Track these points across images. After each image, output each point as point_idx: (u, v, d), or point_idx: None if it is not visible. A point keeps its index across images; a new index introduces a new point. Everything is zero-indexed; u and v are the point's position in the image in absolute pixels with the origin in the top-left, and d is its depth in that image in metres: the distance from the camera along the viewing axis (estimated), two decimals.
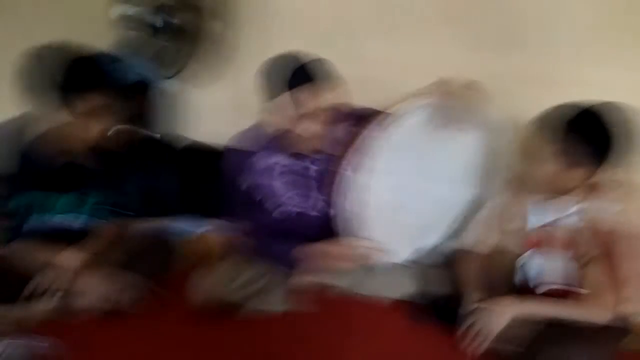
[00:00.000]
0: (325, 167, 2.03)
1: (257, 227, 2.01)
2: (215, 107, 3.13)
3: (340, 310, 1.95)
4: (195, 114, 3.22)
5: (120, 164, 1.93)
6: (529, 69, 2.08)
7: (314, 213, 2.05)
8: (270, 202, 2.01)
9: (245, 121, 2.86)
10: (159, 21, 2.65)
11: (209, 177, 2.73)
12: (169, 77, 2.80)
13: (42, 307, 1.73)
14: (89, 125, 1.68)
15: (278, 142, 1.97)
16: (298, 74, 1.81)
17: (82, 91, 1.65)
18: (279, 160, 1.99)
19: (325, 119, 1.86)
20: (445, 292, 1.86)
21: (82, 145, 1.73)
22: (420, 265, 2.00)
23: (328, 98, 1.84)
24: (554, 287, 1.67)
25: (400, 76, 2.36)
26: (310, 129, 1.83)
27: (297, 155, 1.99)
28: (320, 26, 2.62)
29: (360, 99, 2.08)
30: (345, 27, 2.52)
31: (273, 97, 1.82)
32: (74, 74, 1.64)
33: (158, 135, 2.96)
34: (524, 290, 1.73)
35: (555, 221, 1.63)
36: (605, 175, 1.59)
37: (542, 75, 2.05)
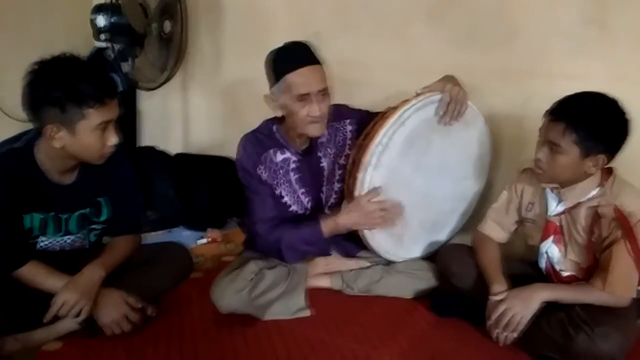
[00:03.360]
0: (335, 161, 2.03)
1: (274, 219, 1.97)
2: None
3: (360, 310, 1.95)
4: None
5: (120, 176, 1.85)
6: (510, 64, 2.12)
7: (327, 208, 2.05)
8: (288, 197, 2.00)
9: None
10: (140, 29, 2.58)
11: (206, 185, 2.71)
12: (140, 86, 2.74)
13: (66, 327, 1.68)
14: (106, 136, 1.61)
15: (288, 138, 1.97)
16: (303, 55, 1.83)
17: (103, 99, 1.55)
18: (292, 155, 1.98)
19: (329, 103, 1.87)
20: (464, 285, 1.87)
21: (97, 159, 1.66)
22: (437, 260, 2.02)
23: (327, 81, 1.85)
24: (577, 270, 1.71)
25: (382, 76, 2.40)
26: (317, 111, 1.82)
27: (308, 150, 2.00)
28: (290, 29, 2.61)
29: (344, 100, 2.09)
30: (322, 26, 2.52)
31: (278, 79, 1.82)
32: (96, 82, 1.54)
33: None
34: (548, 275, 1.77)
35: (575, 206, 1.67)
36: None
37: (523, 70, 2.10)
